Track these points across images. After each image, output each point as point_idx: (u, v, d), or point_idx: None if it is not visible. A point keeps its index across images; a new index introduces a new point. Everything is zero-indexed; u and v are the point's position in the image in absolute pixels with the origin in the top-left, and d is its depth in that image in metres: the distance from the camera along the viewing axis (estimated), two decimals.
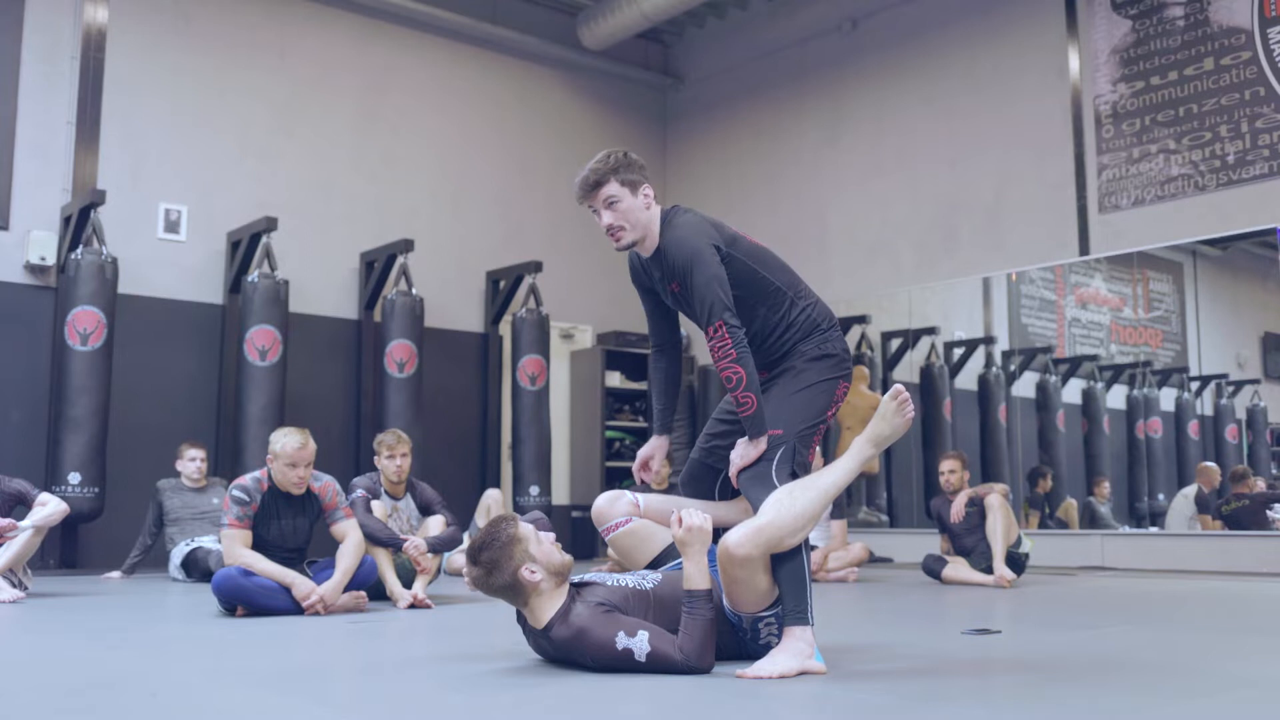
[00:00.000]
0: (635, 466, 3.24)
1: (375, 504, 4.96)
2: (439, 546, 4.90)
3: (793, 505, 2.73)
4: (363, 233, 8.46)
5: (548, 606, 2.80)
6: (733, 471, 2.93)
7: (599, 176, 2.97)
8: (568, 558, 2.85)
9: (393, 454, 5.06)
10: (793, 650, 2.72)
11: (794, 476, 2.87)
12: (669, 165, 10.47)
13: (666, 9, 9.00)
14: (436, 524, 5.06)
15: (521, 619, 2.92)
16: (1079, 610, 4.58)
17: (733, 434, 3.05)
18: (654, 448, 3.22)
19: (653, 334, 3.27)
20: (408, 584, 4.81)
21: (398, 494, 5.14)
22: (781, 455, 2.87)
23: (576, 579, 2.92)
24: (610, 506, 3.14)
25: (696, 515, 2.77)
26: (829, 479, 2.83)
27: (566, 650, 2.78)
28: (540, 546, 2.81)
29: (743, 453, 2.89)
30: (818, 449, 3.06)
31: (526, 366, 8.40)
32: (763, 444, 2.86)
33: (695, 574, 2.74)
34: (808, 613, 2.75)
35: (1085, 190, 7.61)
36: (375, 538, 4.75)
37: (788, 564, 2.76)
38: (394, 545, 4.78)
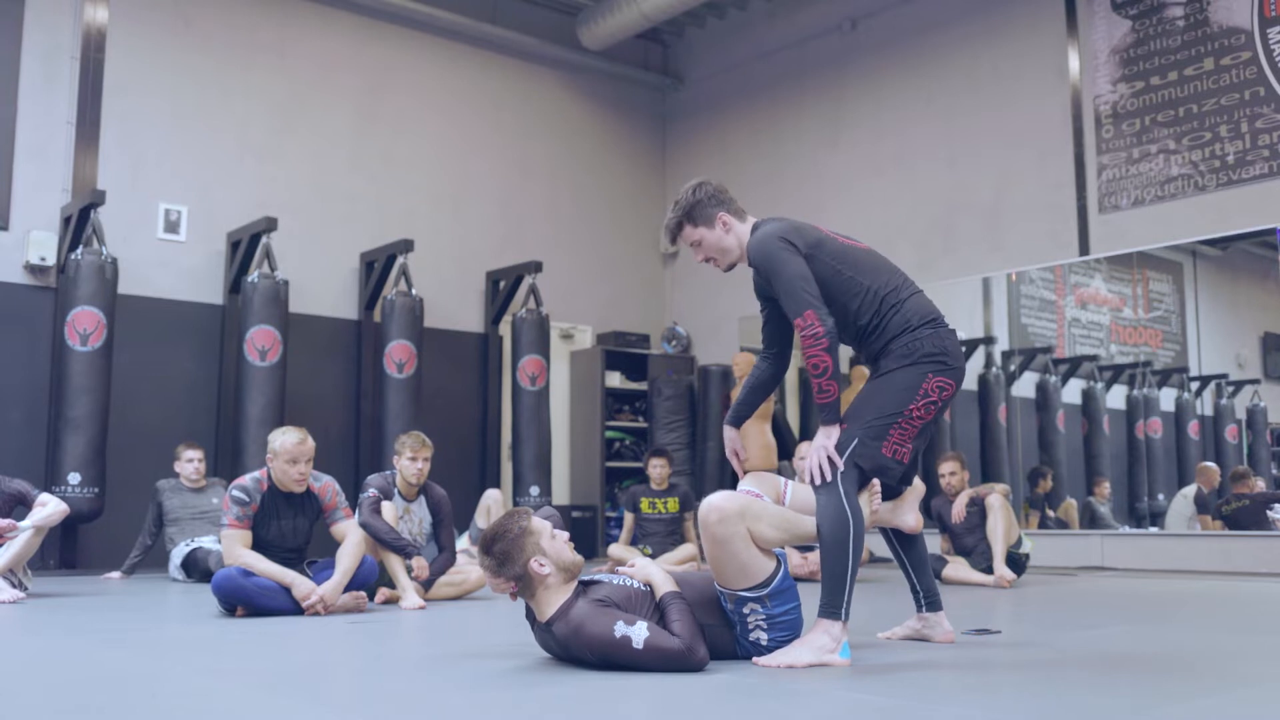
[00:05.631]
0: (728, 454, 3.31)
1: (386, 505, 4.96)
2: (436, 575, 5.02)
3: (792, 515, 2.96)
4: (362, 233, 8.46)
5: (553, 601, 2.86)
6: (806, 464, 2.95)
7: (673, 226, 3.19)
8: (578, 557, 2.93)
9: (415, 457, 5.05)
10: (812, 643, 2.83)
11: (860, 472, 2.94)
12: (669, 165, 10.46)
13: (666, 9, 9.00)
14: (430, 551, 5.17)
15: (530, 615, 2.98)
16: (1079, 610, 4.58)
17: None
18: (730, 438, 3.31)
19: (763, 339, 3.36)
20: (392, 586, 4.87)
21: (411, 495, 5.13)
22: (849, 451, 2.93)
23: (585, 578, 2.97)
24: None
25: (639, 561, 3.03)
26: (807, 526, 2.94)
27: (567, 645, 2.82)
28: (553, 542, 2.88)
29: (814, 443, 2.95)
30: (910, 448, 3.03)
31: (526, 367, 8.39)
32: (834, 433, 2.92)
33: (658, 583, 2.89)
34: (841, 608, 2.84)
35: (1085, 190, 7.60)
36: (383, 541, 4.77)
37: (830, 558, 2.85)
38: (401, 553, 4.79)
